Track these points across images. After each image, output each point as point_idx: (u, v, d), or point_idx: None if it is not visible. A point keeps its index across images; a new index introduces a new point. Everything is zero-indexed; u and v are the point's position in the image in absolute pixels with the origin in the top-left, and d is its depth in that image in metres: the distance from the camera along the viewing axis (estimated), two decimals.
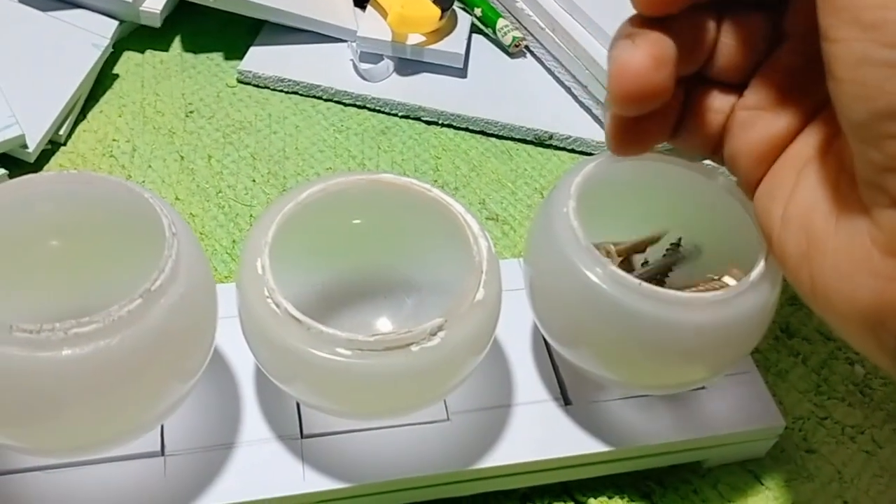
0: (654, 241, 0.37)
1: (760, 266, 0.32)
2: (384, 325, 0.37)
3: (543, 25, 0.52)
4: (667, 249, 0.37)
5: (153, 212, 0.30)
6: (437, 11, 0.51)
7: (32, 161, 0.45)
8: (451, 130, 0.51)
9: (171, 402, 0.30)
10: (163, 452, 0.33)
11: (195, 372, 0.31)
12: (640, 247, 0.37)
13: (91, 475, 0.33)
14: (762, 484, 0.38)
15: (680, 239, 0.37)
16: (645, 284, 0.31)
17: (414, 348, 0.30)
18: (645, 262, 0.37)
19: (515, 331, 0.38)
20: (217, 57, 0.53)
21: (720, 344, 0.32)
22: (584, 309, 0.32)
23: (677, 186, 0.35)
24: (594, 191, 0.34)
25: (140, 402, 0.29)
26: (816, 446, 0.39)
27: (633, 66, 0.28)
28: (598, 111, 0.51)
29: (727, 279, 0.34)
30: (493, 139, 0.51)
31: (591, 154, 0.50)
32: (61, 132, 0.46)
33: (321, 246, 0.36)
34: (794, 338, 0.42)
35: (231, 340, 0.35)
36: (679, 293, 0.31)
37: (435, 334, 0.30)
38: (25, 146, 0.44)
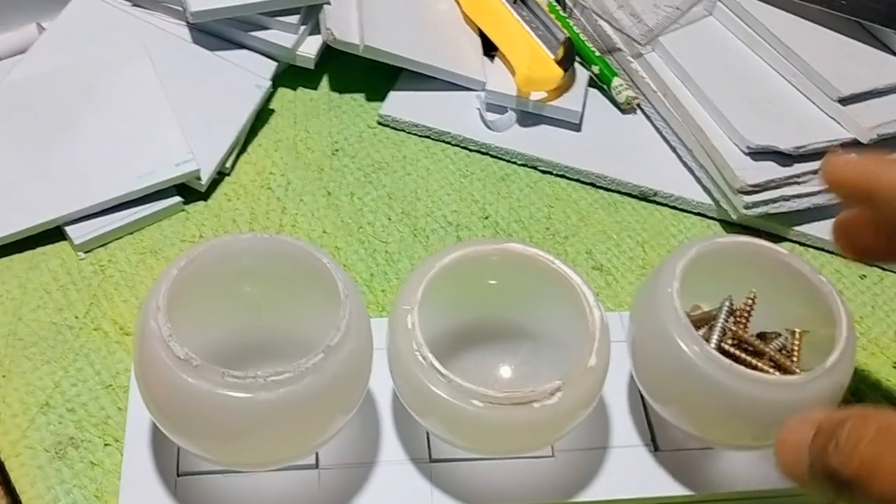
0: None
1: (836, 354, 0.37)
2: (505, 371, 0.44)
3: (655, 89, 0.57)
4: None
5: (330, 276, 0.37)
6: (559, 72, 0.57)
7: (203, 191, 0.52)
8: (564, 181, 0.56)
9: (335, 432, 0.37)
10: (317, 466, 0.40)
11: (354, 406, 0.38)
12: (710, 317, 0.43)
13: (259, 480, 0.40)
14: None
15: (730, 296, 0.42)
16: (735, 365, 0.36)
17: (535, 405, 0.36)
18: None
19: (615, 378, 0.44)
20: (360, 98, 0.59)
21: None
22: (680, 378, 0.38)
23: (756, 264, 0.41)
24: (692, 271, 0.40)
25: (312, 432, 0.36)
26: None
27: None
28: (699, 173, 0.56)
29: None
30: (602, 191, 0.56)
31: (689, 212, 0.56)
32: (227, 165, 0.53)
33: (458, 301, 0.42)
34: (861, 402, 0.48)
35: (374, 371, 0.41)
36: (762, 375, 0.37)
37: (553, 394, 0.36)
38: (199, 178, 0.51)
